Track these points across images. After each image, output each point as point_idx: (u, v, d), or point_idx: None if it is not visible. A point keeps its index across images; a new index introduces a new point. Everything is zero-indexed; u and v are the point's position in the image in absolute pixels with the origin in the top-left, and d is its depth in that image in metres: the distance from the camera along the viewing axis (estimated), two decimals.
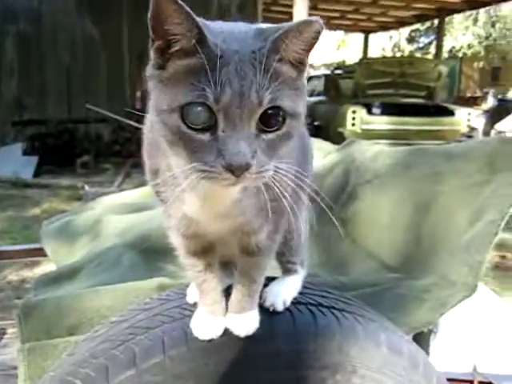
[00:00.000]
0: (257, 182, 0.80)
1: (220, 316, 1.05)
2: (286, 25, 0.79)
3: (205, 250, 1.04)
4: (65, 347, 1.25)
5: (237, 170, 0.75)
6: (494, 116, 12.39)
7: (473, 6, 13.74)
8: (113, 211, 2.58)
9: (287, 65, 0.81)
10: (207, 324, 1.02)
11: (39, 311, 1.35)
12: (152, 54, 0.81)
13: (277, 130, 0.80)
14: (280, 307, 1.07)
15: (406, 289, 1.41)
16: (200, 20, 0.77)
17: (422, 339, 1.41)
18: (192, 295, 1.13)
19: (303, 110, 0.84)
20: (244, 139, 0.76)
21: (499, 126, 9.85)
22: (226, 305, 1.07)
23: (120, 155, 9.61)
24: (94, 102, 8.25)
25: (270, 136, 0.80)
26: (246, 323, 1.03)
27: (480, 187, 1.52)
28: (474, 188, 1.54)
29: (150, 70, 0.82)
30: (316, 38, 0.80)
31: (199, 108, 0.76)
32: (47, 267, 4.04)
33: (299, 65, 0.83)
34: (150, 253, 1.93)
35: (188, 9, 0.74)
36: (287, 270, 1.22)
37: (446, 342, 1.85)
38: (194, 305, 1.09)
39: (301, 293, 1.14)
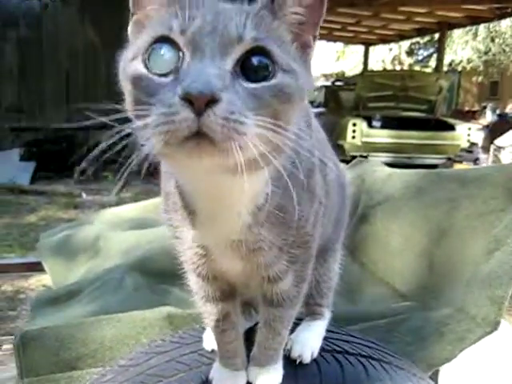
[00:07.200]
0: (229, 138, 0.61)
1: (241, 370, 0.97)
2: None
3: (224, 295, 0.94)
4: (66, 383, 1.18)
5: (197, 100, 0.59)
6: (494, 131, 12.36)
7: (473, 22, 13.71)
8: (113, 227, 2.50)
9: (282, 24, 0.71)
10: (227, 377, 0.94)
11: (39, 342, 1.26)
12: (130, 31, 0.73)
13: (263, 80, 0.66)
14: (308, 359, 0.99)
15: (422, 321, 1.34)
16: None
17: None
18: (209, 341, 1.04)
19: (304, 82, 0.71)
20: (212, 67, 0.62)
21: (498, 141, 9.77)
22: (248, 353, 0.99)
23: (118, 163, 9.36)
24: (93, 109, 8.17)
25: (254, 86, 0.65)
26: (269, 378, 0.94)
27: (497, 214, 1.47)
28: (490, 216, 1.49)
29: (127, 53, 0.71)
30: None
31: (163, 48, 0.66)
32: (42, 277, 3.96)
33: (298, 34, 0.72)
34: (154, 275, 1.86)
35: None
36: (313, 313, 1.13)
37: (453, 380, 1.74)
38: (212, 351, 1.01)
39: (325, 337, 1.07)
